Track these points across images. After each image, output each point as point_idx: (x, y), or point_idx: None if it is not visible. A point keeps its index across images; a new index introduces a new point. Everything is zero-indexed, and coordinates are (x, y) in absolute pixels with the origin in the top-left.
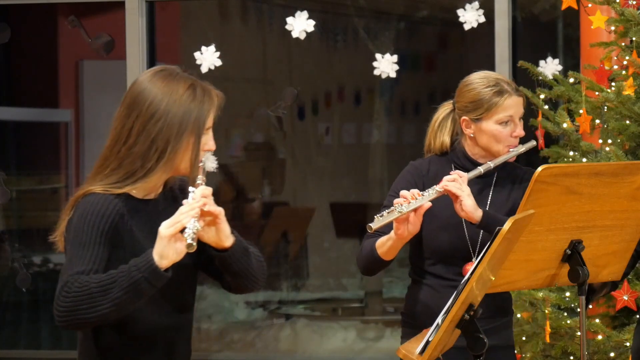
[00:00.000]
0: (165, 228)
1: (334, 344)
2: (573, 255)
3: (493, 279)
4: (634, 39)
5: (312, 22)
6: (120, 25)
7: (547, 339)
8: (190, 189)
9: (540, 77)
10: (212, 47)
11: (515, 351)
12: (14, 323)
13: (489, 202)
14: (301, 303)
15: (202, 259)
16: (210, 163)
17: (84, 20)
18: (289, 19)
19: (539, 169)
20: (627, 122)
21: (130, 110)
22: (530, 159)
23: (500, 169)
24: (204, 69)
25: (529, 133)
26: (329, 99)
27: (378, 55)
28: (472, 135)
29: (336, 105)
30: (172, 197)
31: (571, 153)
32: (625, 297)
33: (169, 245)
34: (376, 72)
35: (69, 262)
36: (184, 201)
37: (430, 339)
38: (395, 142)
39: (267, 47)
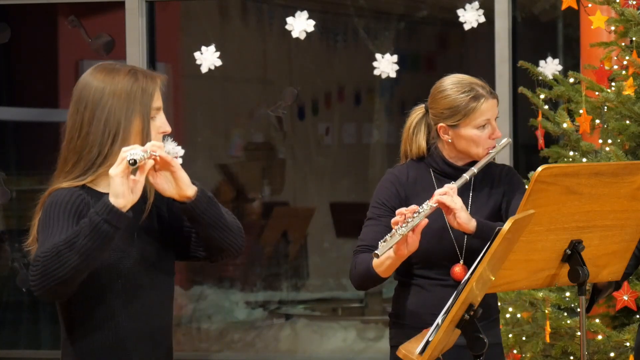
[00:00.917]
0: (114, 168)
1: (334, 344)
2: (573, 255)
3: (493, 279)
4: (634, 39)
5: (312, 22)
6: (120, 25)
7: (547, 339)
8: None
9: (540, 77)
10: (212, 47)
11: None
12: (14, 323)
13: (469, 205)
14: (301, 303)
15: (175, 245)
16: (170, 147)
17: (84, 20)
18: (289, 19)
19: (539, 169)
20: (627, 122)
21: (78, 105)
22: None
23: (476, 175)
24: (204, 69)
25: (530, 133)
26: (329, 99)
27: (378, 55)
28: (449, 140)
29: (336, 105)
30: None
31: (571, 153)
32: (625, 297)
33: (122, 183)
34: (376, 72)
35: (40, 245)
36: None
37: (430, 339)
38: (395, 142)
39: (267, 47)
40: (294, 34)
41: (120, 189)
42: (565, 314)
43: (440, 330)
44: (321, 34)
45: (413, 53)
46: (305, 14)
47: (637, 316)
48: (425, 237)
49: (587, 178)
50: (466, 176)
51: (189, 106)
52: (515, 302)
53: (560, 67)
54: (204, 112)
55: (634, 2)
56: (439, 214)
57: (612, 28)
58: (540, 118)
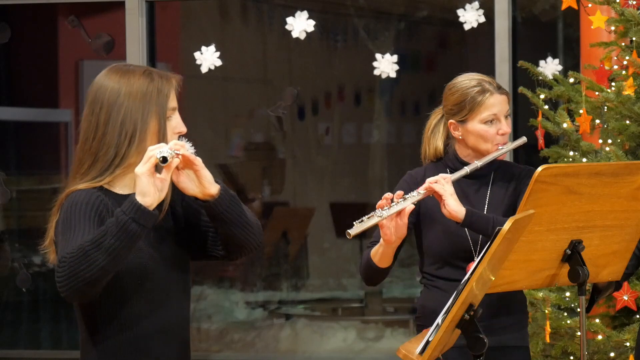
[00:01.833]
0: (140, 166)
1: (334, 344)
2: (573, 255)
3: (493, 279)
4: (634, 39)
5: (312, 22)
6: (120, 25)
7: (547, 339)
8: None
9: (540, 77)
10: (212, 47)
11: None
12: (14, 323)
13: (487, 202)
14: (301, 303)
15: (191, 243)
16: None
17: (84, 20)
18: (289, 19)
19: (539, 168)
20: (627, 122)
21: (93, 106)
22: (531, 159)
23: (497, 168)
24: (204, 69)
25: (530, 133)
26: (329, 99)
27: (378, 55)
28: (460, 137)
29: (336, 105)
30: None
31: (571, 153)
32: (625, 297)
33: (148, 182)
34: (376, 72)
35: (62, 247)
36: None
37: (430, 339)
38: (395, 142)
39: (267, 47)
40: (294, 34)
41: (147, 187)
42: (565, 314)
43: (440, 330)
44: (321, 34)
45: (413, 53)
46: (305, 14)
47: (637, 316)
48: (442, 237)
49: (587, 178)
50: (467, 169)
51: (189, 106)
52: None
53: (560, 67)
54: (204, 112)
55: (634, 2)
56: None
57: (612, 28)
58: (540, 118)
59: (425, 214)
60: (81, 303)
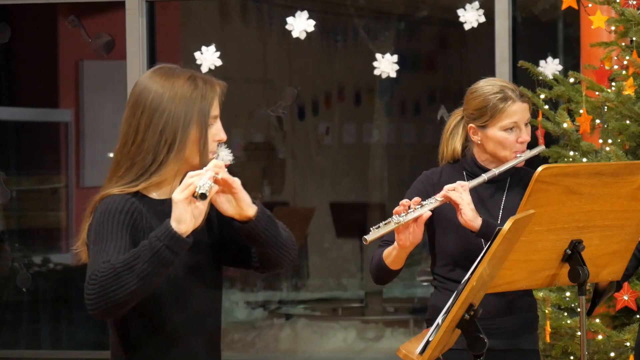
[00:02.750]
0: (178, 193)
1: (334, 344)
2: (573, 255)
3: (493, 278)
4: (634, 38)
5: (312, 22)
6: (120, 25)
7: (548, 339)
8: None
9: (541, 77)
10: (212, 47)
11: None
12: (14, 323)
13: (502, 207)
14: (301, 303)
15: (223, 243)
16: (224, 154)
17: (84, 20)
18: (289, 19)
19: (539, 168)
20: (627, 122)
21: (135, 109)
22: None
23: (514, 174)
24: (204, 69)
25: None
26: (329, 99)
27: (378, 55)
28: (479, 142)
29: (336, 105)
30: None
31: (571, 153)
32: (626, 297)
33: (185, 209)
34: (376, 72)
35: (93, 258)
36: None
37: (430, 339)
38: (395, 142)
39: (267, 47)
40: (294, 34)
41: (183, 215)
42: (566, 314)
43: (441, 330)
44: (321, 34)
45: (413, 53)
46: (305, 14)
47: (637, 316)
48: (456, 239)
49: (587, 178)
50: (485, 176)
51: None
52: None
53: (560, 67)
54: None
55: (634, 2)
56: None
57: (612, 28)
58: (540, 118)
59: (440, 215)
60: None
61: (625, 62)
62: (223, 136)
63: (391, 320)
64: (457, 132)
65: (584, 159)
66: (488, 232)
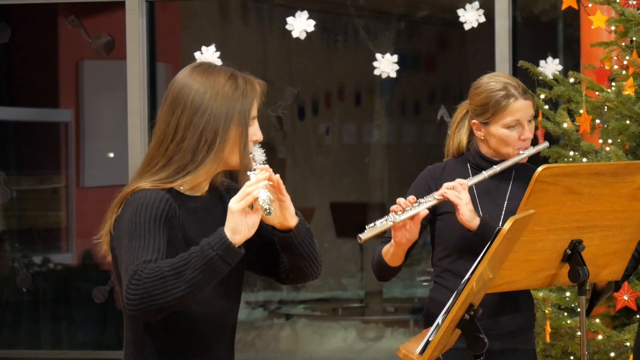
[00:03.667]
0: (236, 202)
1: (334, 344)
2: (573, 255)
3: (493, 278)
4: (634, 38)
5: (312, 22)
6: (120, 25)
7: (548, 339)
8: (249, 173)
9: (541, 77)
10: (212, 47)
11: None
12: (14, 323)
13: (507, 197)
14: (301, 303)
15: (250, 257)
16: (258, 155)
17: (84, 20)
18: (289, 19)
19: (539, 168)
20: (628, 122)
21: (174, 107)
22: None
23: (519, 167)
24: None
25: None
26: (329, 99)
27: (378, 55)
28: (482, 137)
29: (336, 105)
30: (218, 196)
31: (571, 153)
32: (626, 297)
33: (241, 220)
34: (376, 72)
35: (132, 254)
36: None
37: (430, 339)
38: (395, 142)
39: (267, 47)
40: (294, 34)
41: (239, 225)
42: (566, 314)
43: (441, 330)
44: (321, 34)
45: (413, 53)
46: (305, 14)
47: (637, 316)
48: (457, 229)
49: (587, 178)
50: (485, 173)
51: None
52: None
53: (560, 67)
54: None
55: (634, 2)
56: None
57: (613, 28)
58: (540, 118)
59: (443, 206)
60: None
61: (625, 62)
62: (260, 136)
63: (391, 320)
64: (463, 126)
65: (584, 159)
66: (485, 232)
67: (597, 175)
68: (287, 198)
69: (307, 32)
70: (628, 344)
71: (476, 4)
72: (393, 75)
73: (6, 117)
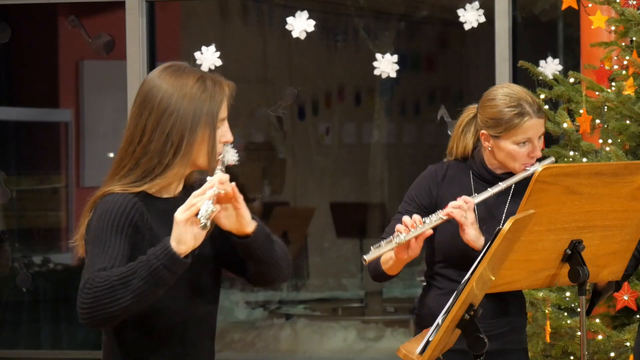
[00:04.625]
0: (180, 213)
1: (334, 344)
2: (573, 255)
3: (493, 278)
4: (634, 38)
5: (312, 22)
6: (120, 25)
7: (548, 339)
8: (208, 178)
9: (541, 77)
10: (212, 47)
11: None
12: (14, 323)
13: (505, 211)
14: (301, 303)
15: (223, 254)
16: (230, 156)
17: (84, 20)
18: (289, 19)
19: (539, 168)
20: (628, 122)
21: (142, 108)
22: None
23: (518, 183)
24: (204, 69)
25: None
26: (329, 99)
27: (378, 55)
28: (490, 149)
29: (336, 105)
30: None
31: (571, 153)
32: (626, 297)
33: (186, 229)
34: (376, 72)
35: (90, 261)
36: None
37: (430, 339)
38: (395, 142)
39: (267, 47)
40: (294, 34)
41: (184, 236)
42: (566, 314)
43: (441, 330)
44: (321, 34)
45: (413, 53)
46: (305, 14)
47: (637, 316)
48: (453, 237)
49: (587, 178)
50: (491, 191)
51: None
52: None
53: (560, 67)
54: None
55: (634, 2)
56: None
57: (613, 28)
58: None
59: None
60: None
61: (625, 62)
62: (230, 137)
63: (391, 320)
64: (469, 130)
65: (584, 159)
66: None
67: (597, 175)
68: (242, 205)
69: (307, 32)
70: (628, 344)
71: (476, 4)
72: (393, 75)
73: (6, 117)
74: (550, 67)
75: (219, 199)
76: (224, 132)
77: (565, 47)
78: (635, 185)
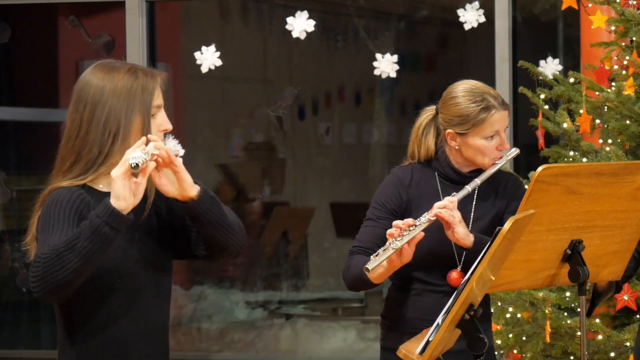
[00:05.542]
0: (116, 169)
1: (334, 344)
2: (573, 255)
3: (493, 278)
4: (634, 38)
5: (312, 22)
6: (120, 25)
7: (548, 339)
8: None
9: (541, 77)
10: (212, 47)
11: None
12: (14, 323)
13: (472, 211)
14: (301, 303)
15: (172, 244)
16: (171, 145)
17: (84, 20)
18: (289, 19)
19: (539, 168)
20: (628, 122)
21: (77, 104)
22: (531, 159)
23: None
24: (204, 69)
25: (530, 133)
26: (329, 99)
27: (378, 55)
28: (457, 147)
29: (336, 105)
30: None
31: (571, 153)
32: (626, 297)
33: (123, 185)
34: (376, 72)
35: (40, 245)
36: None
37: (430, 339)
38: (395, 142)
39: (267, 47)
40: (294, 34)
41: (122, 191)
42: (566, 314)
43: (441, 330)
44: (321, 34)
45: (413, 53)
46: (305, 14)
47: (637, 316)
48: (426, 240)
49: (587, 178)
50: (468, 188)
51: (189, 106)
52: (515, 302)
53: (560, 67)
54: (204, 112)
55: (634, 2)
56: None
57: (613, 28)
58: (540, 118)
59: (416, 216)
60: (60, 302)
61: (625, 62)
62: (168, 126)
63: None
64: (429, 132)
65: (584, 159)
66: (481, 248)
67: (597, 175)
68: (181, 168)
69: (307, 32)
70: (628, 344)
71: (476, 4)
72: (393, 75)
73: (6, 117)
74: (550, 67)
75: (158, 165)
76: (162, 121)
77: (565, 47)
78: (635, 185)
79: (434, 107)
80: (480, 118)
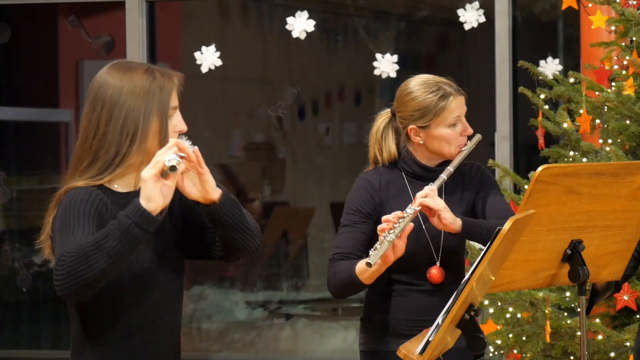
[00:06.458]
0: (147, 170)
1: (334, 344)
2: (573, 255)
3: (493, 278)
4: (634, 38)
5: (312, 22)
6: (120, 25)
7: (548, 339)
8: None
9: (541, 77)
10: (212, 47)
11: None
12: (14, 323)
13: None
14: (301, 303)
15: (187, 241)
16: (185, 145)
17: (84, 20)
18: (289, 19)
19: (539, 168)
20: (628, 122)
21: (94, 104)
22: (531, 159)
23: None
24: (204, 69)
25: (530, 133)
26: (329, 99)
27: (378, 55)
28: (421, 142)
29: (336, 105)
30: None
31: (571, 153)
32: (626, 297)
33: (154, 187)
34: (376, 72)
35: (61, 243)
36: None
37: (430, 339)
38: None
39: (267, 47)
40: (294, 34)
41: (152, 192)
42: (566, 314)
43: (441, 330)
44: (321, 34)
45: (413, 53)
46: (305, 14)
47: (637, 316)
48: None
49: (587, 178)
50: (444, 176)
51: (189, 106)
52: (515, 302)
53: (560, 67)
54: (204, 112)
55: (634, 2)
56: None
57: (613, 28)
58: (540, 118)
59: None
60: (76, 302)
61: (625, 62)
62: (183, 127)
63: None
64: (387, 134)
65: (584, 159)
66: (471, 229)
67: (597, 175)
68: (206, 171)
69: (307, 32)
70: (628, 344)
71: (476, 4)
72: (393, 75)
73: (6, 117)
74: (550, 67)
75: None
76: (178, 122)
77: (565, 47)
78: (635, 185)
79: (388, 110)
80: (441, 107)
